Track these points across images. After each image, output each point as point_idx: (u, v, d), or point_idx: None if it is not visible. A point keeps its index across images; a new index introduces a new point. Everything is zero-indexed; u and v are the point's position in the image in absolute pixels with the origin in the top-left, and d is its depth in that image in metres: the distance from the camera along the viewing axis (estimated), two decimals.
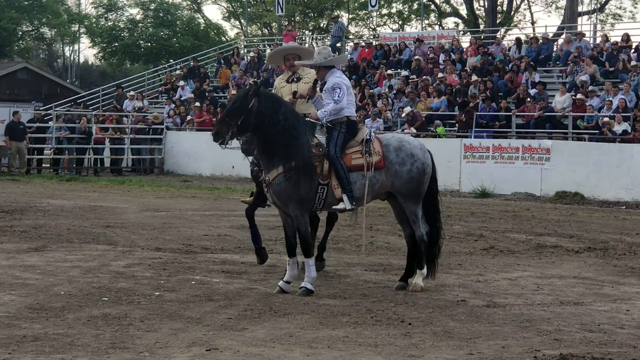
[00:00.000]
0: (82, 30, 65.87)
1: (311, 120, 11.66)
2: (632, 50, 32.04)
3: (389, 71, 35.63)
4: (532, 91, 30.49)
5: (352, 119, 11.77)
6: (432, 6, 63.72)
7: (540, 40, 35.54)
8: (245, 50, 47.55)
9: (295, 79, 12.40)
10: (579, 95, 28.79)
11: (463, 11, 63.35)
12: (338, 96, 11.50)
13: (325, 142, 11.41)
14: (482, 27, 55.38)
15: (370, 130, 12.04)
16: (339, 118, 11.53)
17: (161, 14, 64.24)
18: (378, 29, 63.93)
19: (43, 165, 35.97)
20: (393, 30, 60.98)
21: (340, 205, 11.44)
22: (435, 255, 12.03)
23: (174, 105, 38.15)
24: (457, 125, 30.84)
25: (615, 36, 35.88)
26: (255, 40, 53.15)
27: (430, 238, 11.92)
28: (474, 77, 32.38)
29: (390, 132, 29.76)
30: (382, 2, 58.26)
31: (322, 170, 11.31)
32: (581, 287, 12.19)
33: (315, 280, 11.41)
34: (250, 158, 12.33)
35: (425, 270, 11.84)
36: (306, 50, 13.01)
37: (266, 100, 11.30)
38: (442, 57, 35.72)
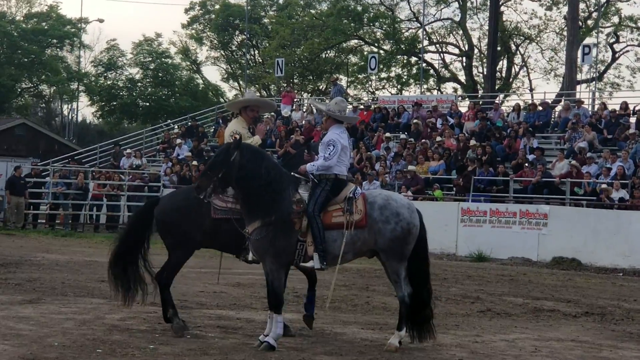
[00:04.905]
0: (81, 88, 66.19)
1: (297, 175, 11.60)
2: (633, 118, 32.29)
3: (387, 134, 35.75)
4: (530, 157, 30.57)
5: (340, 177, 11.62)
6: (431, 71, 64.14)
7: (540, 107, 35.73)
8: None
9: (251, 130, 12.87)
10: (573, 162, 29.00)
11: (462, 77, 63.79)
12: (329, 154, 11.42)
13: (307, 199, 11.36)
14: (480, 92, 55.71)
15: (355, 187, 11.84)
16: (327, 174, 11.47)
17: (160, 74, 64.65)
18: (377, 92, 64.29)
19: (39, 220, 35.87)
20: (392, 94, 61.31)
21: (310, 264, 11.27)
22: (429, 316, 11.83)
23: (171, 163, 38.07)
24: (454, 188, 30.86)
25: (614, 104, 36.07)
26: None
27: (422, 300, 11.69)
28: (473, 142, 32.46)
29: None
30: (381, 66, 58.65)
31: (302, 227, 11.21)
32: (579, 350, 12.09)
33: (279, 338, 11.20)
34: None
35: (403, 332, 11.59)
36: (267, 103, 14.31)
37: (248, 154, 11.27)
38: (439, 121, 35.87)
